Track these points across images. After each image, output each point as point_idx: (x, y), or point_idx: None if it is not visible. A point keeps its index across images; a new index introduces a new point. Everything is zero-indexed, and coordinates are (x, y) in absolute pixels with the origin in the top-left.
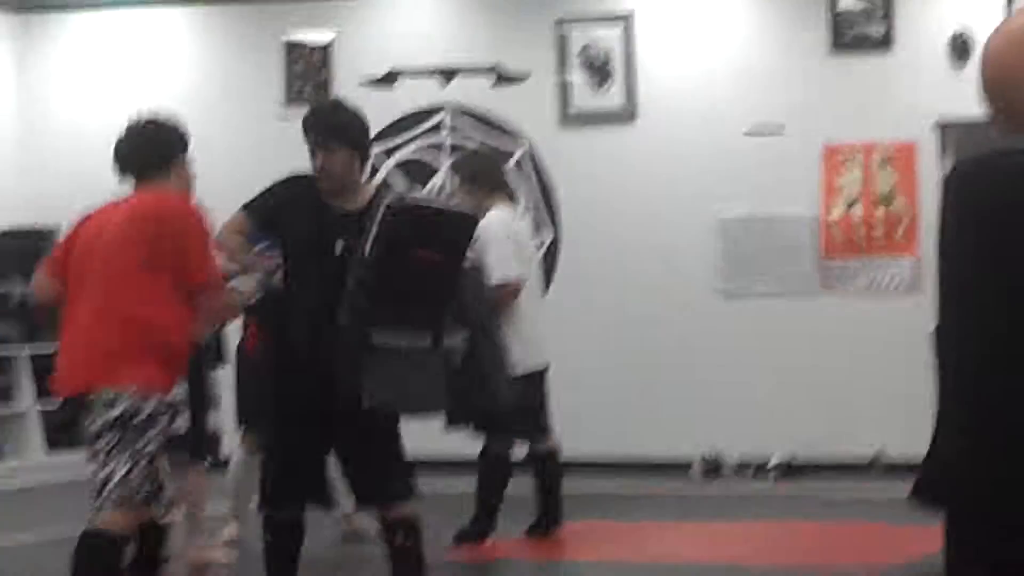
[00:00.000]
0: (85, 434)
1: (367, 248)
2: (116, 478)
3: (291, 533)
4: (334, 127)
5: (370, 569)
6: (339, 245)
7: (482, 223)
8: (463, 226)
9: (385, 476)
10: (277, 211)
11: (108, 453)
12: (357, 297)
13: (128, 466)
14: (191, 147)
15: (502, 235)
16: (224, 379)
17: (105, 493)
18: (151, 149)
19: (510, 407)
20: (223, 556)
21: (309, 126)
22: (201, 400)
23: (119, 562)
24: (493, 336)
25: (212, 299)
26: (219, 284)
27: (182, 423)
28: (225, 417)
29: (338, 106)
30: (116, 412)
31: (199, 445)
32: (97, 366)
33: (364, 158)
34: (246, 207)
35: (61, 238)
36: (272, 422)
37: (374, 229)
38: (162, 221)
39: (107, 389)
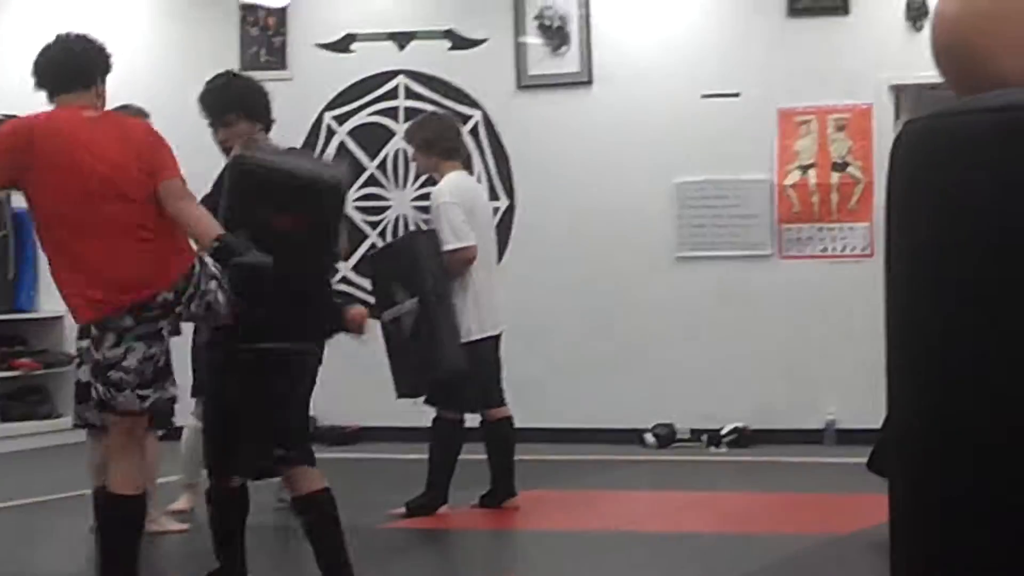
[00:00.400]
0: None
1: (221, 208)
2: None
3: (237, 502)
4: (228, 100)
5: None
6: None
7: (436, 189)
8: (326, 191)
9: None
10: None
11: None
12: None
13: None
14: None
15: (453, 200)
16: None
17: None
18: (81, 64)
19: (460, 374)
20: (174, 525)
21: (204, 102)
22: None
23: None
24: (447, 302)
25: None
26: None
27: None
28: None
29: (233, 77)
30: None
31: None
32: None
33: (267, 127)
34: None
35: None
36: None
37: (225, 188)
38: (153, 145)
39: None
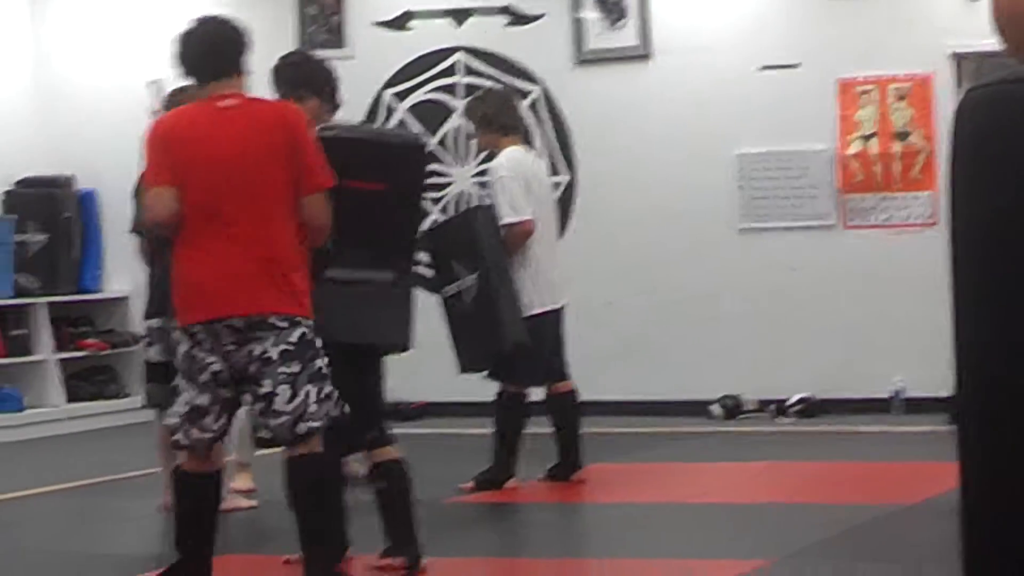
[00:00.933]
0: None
1: None
2: (311, 402)
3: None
4: (302, 76)
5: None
6: None
7: (495, 164)
8: (409, 154)
9: (365, 420)
10: None
11: (294, 378)
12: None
13: (316, 389)
14: None
15: (511, 175)
16: None
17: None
18: (227, 49)
19: (523, 347)
20: (243, 502)
21: (277, 76)
22: None
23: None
24: (506, 276)
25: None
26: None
27: None
28: None
29: (307, 57)
30: (296, 334)
31: None
32: (264, 286)
33: (334, 108)
34: None
35: (149, 151)
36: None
37: None
38: (294, 130)
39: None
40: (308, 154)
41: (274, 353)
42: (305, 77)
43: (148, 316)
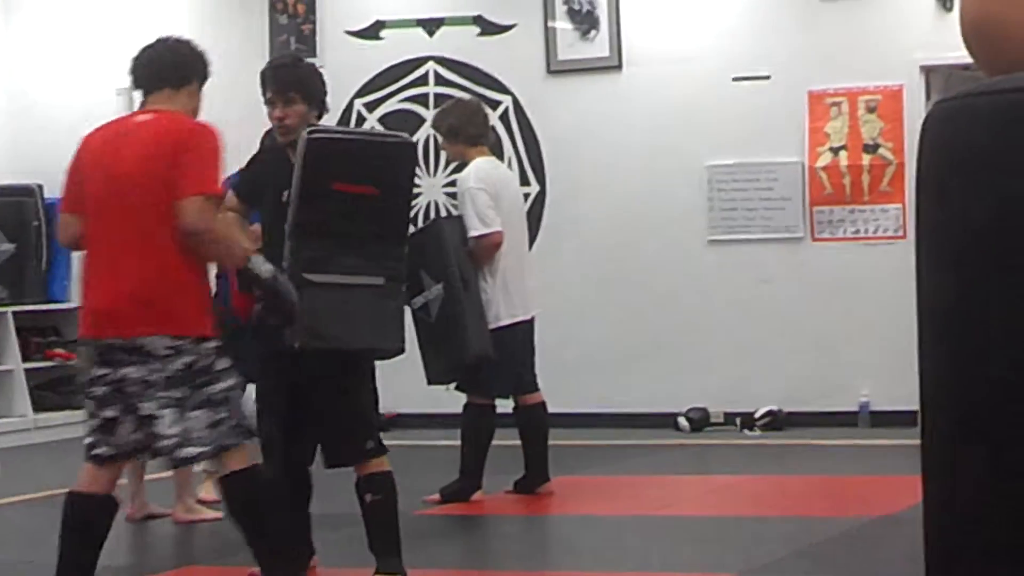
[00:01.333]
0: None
1: (294, 185)
2: (201, 427)
3: (300, 488)
4: (293, 79)
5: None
6: (285, 194)
7: (463, 175)
8: (400, 156)
9: (353, 432)
10: (256, 181)
11: (180, 403)
12: (291, 237)
13: (208, 414)
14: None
15: (479, 186)
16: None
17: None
18: (172, 65)
19: (487, 359)
20: (210, 513)
21: (267, 78)
22: None
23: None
24: (472, 287)
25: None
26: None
27: None
28: None
29: (298, 61)
30: (181, 362)
31: None
32: (146, 309)
33: (320, 114)
34: (237, 192)
35: (67, 170)
36: (262, 384)
37: (298, 164)
38: (182, 143)
39: (162, 336)
40: (189, 163)
41: (155, 378)
42: (298, 79)
43: None
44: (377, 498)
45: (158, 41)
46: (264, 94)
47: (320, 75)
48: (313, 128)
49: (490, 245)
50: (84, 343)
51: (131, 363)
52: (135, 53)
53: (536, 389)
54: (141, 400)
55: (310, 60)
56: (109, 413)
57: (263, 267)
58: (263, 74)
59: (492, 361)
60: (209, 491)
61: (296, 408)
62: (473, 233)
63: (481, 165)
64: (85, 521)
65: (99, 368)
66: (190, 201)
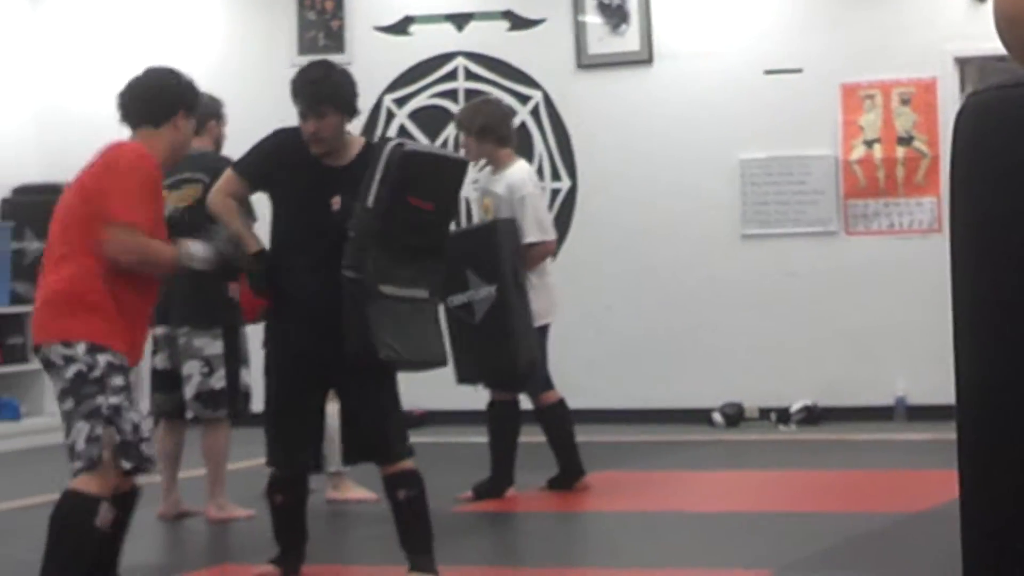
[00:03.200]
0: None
1: (371, 194)
2: (80, 440)
3: (297, 490)
4: (325, 93)
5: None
6: (336, 201)
7: (515, 179)
8: (455, 174)
9: (385, 431)
10: (267, 168)
11: (68, 415)
12: (362, 247)
13: (88, 427)
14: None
15: (537, 192)
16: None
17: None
18: (153, 101)
19: (535, 365)
20: (243, 512)
21: (298, 91)
22: (234, 356)
23: (92, 523)
24: (524, 292)
25: (116, 241)
26: (129, 227)
27: (218, 380)
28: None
29: (329, 70)
30: (72, 371)
31: (232, 401)
32: (50, 318)
33: (352, 117)
34: (236, 167)
35: None
36: (274, 381)
37: (378, 174)
38: (112, 166)
39: (57, 344)
40: (114, 189)
41: (56, 388)
42: (329, 92)
43: (153, 324)
44: (410, 494)
45: (144, 73)
46: (296, 105)
47: (351, 79)
48: (401, 141)
49: (544, 253)
50: None
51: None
52: (124, 85)
53: (553, 387)
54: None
55: (339, 57)
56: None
57: (197, 251)
58: (293, 85)
59: (535, 367)
60: (347, 490)
61: (313, 409)
62: (531, 239)
63: (528, 170)
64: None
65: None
66: (111, 229)
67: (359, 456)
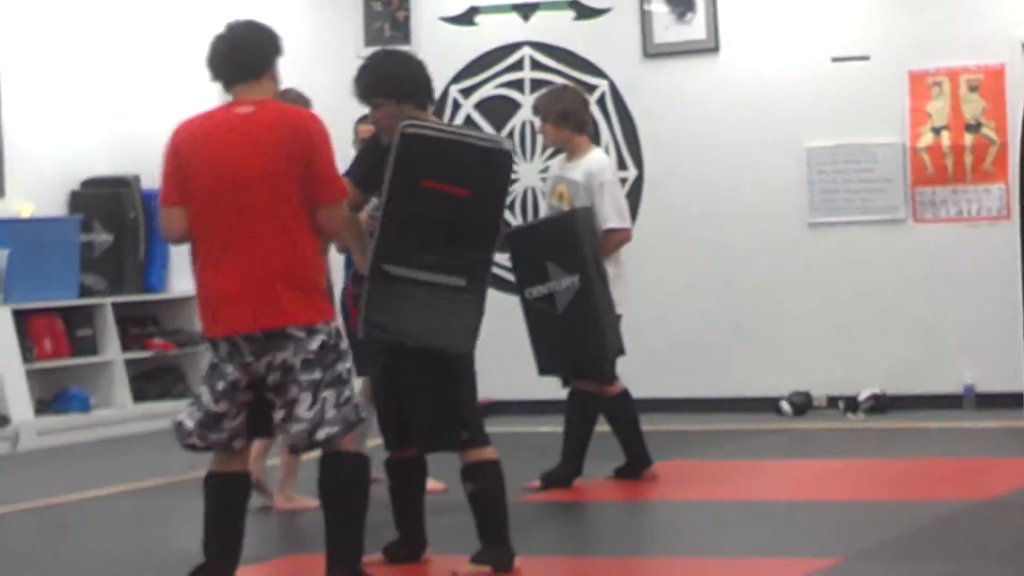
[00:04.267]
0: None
1: (385, 179)
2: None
3: (415, 472)
4: (375, 84)
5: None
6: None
7: (593, 166)
8: (496, 161)
9: (446, 422)
10: (373, 170)
11: (315, 385)
12: (378, 229)
13: (335, 394)
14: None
15: (616, 179)
16: None
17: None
18: (251, 55)
19: (620, 353)
20: (312, 503)
21: (354, 86)
22: None
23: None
24: (606, 282)
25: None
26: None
27: None
28: None
29: (385, 58)
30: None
31: None
32: (285, 301)
33: (421, 103)
34: (347, 176)
35: (165, 162)
36: (375, 368)
37: (390, 158)
38: (310, 138)
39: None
40: (324, 163)
41: (295, 362)
42: (377, 82)
43: None
44: (477, 487)
45: (229, 29)
46: (360, 98)
47: (414, 63)
48: (409, 123)
49: (623, 240)
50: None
51: (265, 351)
52: (211, 43)
53: (617, 377)
54: (282, 387)
55: (405, 47)
56: (220, 408)
57: None
58: (354, 79)
59: (623, 353)
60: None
61: (399, 397)
62: (611, 225)
63: (606, 157)
64: (218, 499)
65: (221, 363)
66: (335, 209)
67: (425, 445)
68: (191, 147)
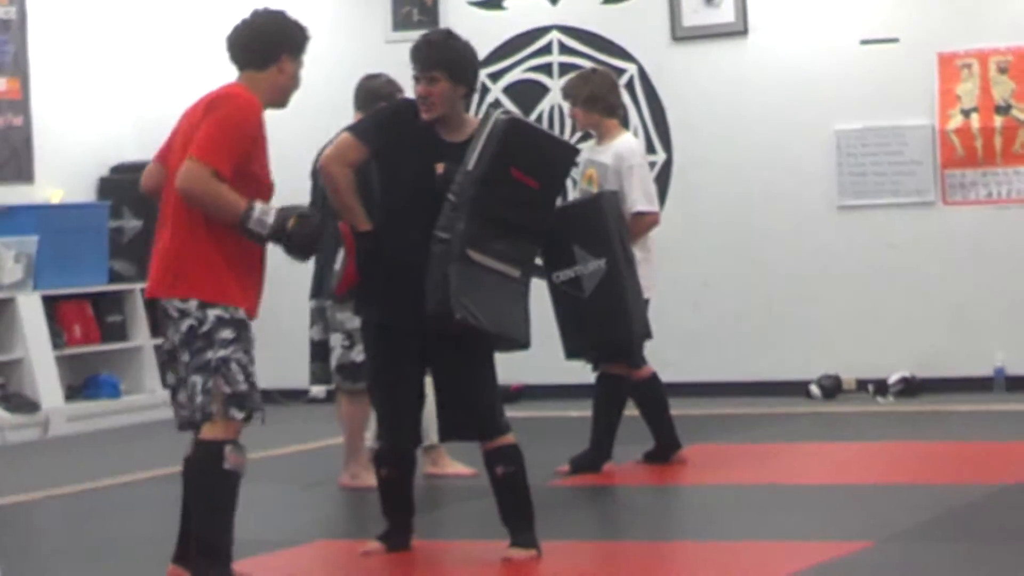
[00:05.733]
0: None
1: (473, 159)
2: (197, 393)
3: (406, 465)
4: (438, 58)
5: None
6: (440, 167)
7: (623, 149)
8: (564, 157)
9: (478, 407)
10: (386, 136)
11: (185, 368)
12: (457, 211)
13: (202, 380)
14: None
15: (645, 163)
16: None
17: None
18: (258, 45)
19: (647, 337)
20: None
21: (414, 53)
22: None
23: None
24: (633, 265)
25: (188, 171)
26: (203, 165)
27: (358, 353)
28: None
29: (448, 37)
30: (185, 324)
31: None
32: (168, 274)
33: (468, 92)
34: (354, 131)
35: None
36: (375, 356)
37: (482, 141)
38: (206, 110)
39: (173, 299)
40: (203, 128)
41: (176, 339)
42: (441, 59)
43: (310, 297)
44: (509, 470)
45: (252, 15)
46: (413, 68)
47: (471, 52)
48: (505, 111)
49: (651, 223)
50: None
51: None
52: (233, 28)
53: (646, 362)
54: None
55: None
56: (171, 381)
57: (265, 217)
58: (412, 48)
59: (650, 337)
60: (445, 464)
61: (413, 381)
62: (640, 208)
63: (636, 141)
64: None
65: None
66: (187, 162)
67: (454, 432)
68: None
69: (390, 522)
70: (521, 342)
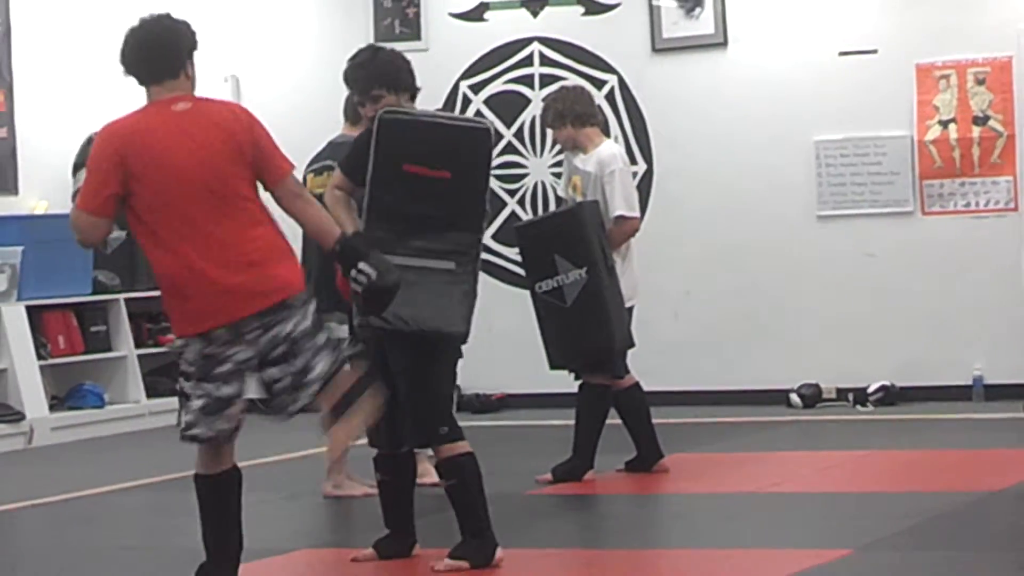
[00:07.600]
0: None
1: (369, 166)
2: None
3: (400, 469)
4: (373, 75)
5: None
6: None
7: (605, 155)
8: (473, 141)
9: (425, 416)
10: (365, 161)
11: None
12: (366, 220)
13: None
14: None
15: (627, 169)
16: None
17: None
18: (169, 54)
19: (629, 346)
20: (359, 491)
21: (348, 79)
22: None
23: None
24: (614, 274)
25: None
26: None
27: None
28: None
29: (375, 53)
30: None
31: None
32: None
33: (412, 96)
34: (342, 168)
35: (96, 161)
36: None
37: (372, 145)
38: (250, 127)
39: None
40: (267, 146)
41: (293, 332)
42: (377, 74)
43: None
44: (454, 481)
45: (143, 24)
46: (352, 94)
47: (402, 58)
48: (387, 109)
49: (631, 230)
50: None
51: (272, 326)
52: (125, 38)
53: (628, 371)
54: (292, 356)
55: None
56: (226, 392)
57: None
58: (344, 76)
59: (632, 346)
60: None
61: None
62: (621, 213)
63: (617, 148)
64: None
65: (219, 349)
66: (287, 182)
67: (405, 440)
68: (135, 148)
69: (387, 528)
70: (450, 333)
